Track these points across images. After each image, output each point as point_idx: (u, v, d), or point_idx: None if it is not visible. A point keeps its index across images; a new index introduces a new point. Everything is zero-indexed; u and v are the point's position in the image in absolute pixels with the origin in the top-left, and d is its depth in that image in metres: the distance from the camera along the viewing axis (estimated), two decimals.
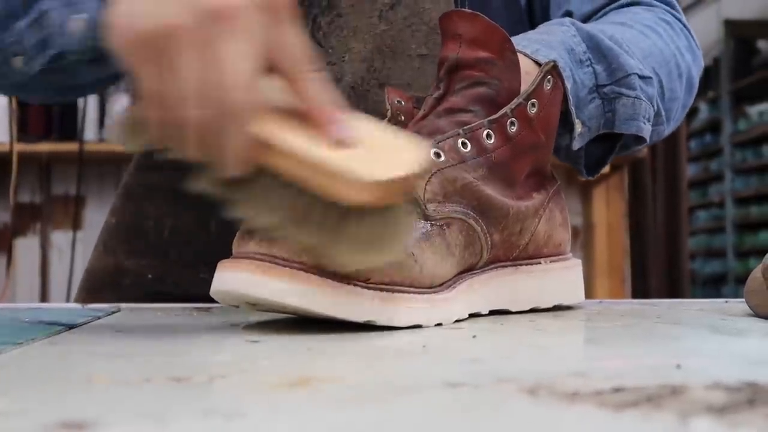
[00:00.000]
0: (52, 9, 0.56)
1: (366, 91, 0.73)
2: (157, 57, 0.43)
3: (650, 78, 0.67)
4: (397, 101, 0.62)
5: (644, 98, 0.66)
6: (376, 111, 0.73)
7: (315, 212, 0.44)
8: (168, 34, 0.43)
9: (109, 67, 0.55)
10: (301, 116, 0.45)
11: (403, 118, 0.61)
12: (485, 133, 0.56)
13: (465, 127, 0.55)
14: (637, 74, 0.66)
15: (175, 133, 0.44)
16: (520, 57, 0.59)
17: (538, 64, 0.61)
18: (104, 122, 2.43)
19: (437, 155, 0.54)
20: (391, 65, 0.74)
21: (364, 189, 0.42)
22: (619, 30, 0.70)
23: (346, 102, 0.69)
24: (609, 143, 0.71)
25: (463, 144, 0.55)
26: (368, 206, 0.43)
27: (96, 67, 0.58)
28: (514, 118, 0.57)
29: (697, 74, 0.77)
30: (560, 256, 0.63)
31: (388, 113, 0.61)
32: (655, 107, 0.68)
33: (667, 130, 0.74)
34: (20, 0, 0.57)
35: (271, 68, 0.45)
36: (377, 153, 0.45)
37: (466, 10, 0.58)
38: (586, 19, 0.78)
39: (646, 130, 0.67)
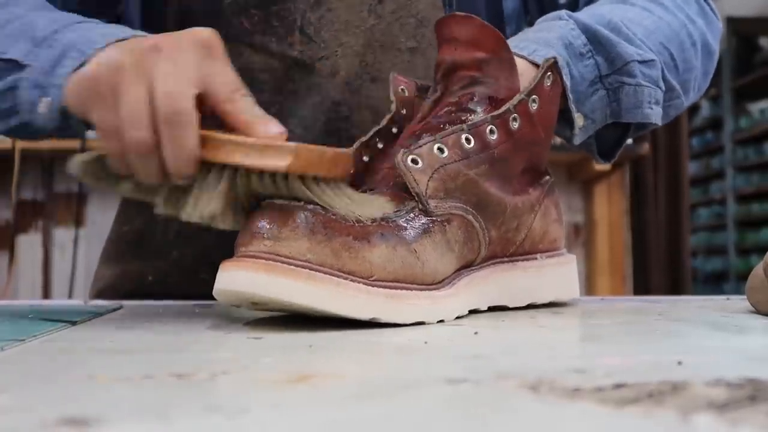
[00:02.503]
0: (21, 87, 0.58)
1: (359, 86, 0.73)
2: (105, 92, 0.50)
3: (652, 60, 0.66)
4: (401, 89, 0.61)
5: (647, 83, 0.66)
6: (369, 106, 0.73)
7: (247, 190, 0.49)
8: (112, 72, 0.50)
9: (68, 129, 0.59)
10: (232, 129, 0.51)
11: (405, 111, 0.61)
12: (488, 128, 0.56)
13: (468, 123, 0.55)
14: (637, 60, 0.65)
15: (132, 158, 0.50)
16: (517, 59, 0.59)
17: (536, 65, 0.61)
18: None
19: (440, 151, 0.54)
20: (382, 59, 0.74)
21: (285, 155, 0.48)
22: (619, 11, 0.69)
23: (340, 97, 0.70)
24: (622, 128, 0.70)
25: (467, 140, 0.55)
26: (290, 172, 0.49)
27: (55, 131, 0.61)
28: (516, 114, 0.57)
29: (713, 37, 0.75)
30: (555, 252, 0.64)
31: (393, 106, 0.61)
32: (663, 87, 0.68)
33: (687, 102, 0.73)
34: None
35: (202, 100, 0.50)
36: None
37: (461, 13, 0.58)
38: None
39: (654, 115, 0.67)
